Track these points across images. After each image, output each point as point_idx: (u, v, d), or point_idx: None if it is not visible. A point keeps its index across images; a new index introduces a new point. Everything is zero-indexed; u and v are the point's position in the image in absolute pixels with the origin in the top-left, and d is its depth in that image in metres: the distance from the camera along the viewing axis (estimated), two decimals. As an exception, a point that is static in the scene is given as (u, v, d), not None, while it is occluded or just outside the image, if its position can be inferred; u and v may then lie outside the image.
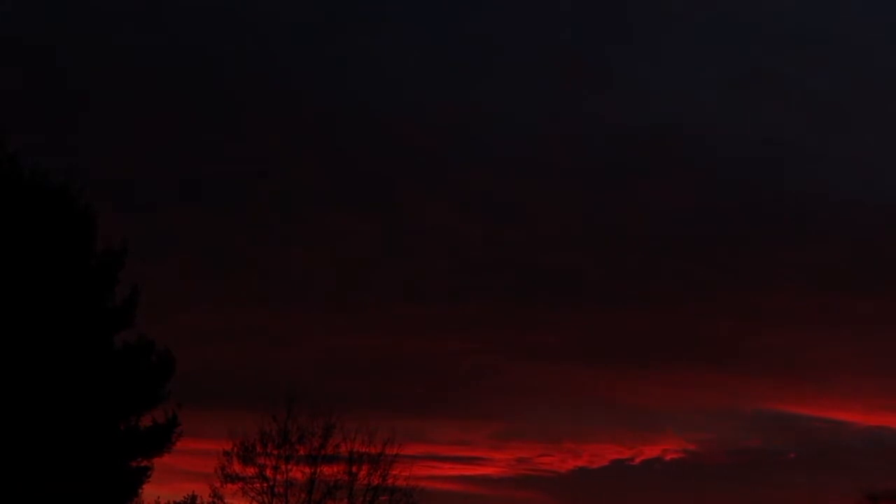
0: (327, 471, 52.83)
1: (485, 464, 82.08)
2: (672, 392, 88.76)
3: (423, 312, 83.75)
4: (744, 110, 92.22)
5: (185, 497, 50.34)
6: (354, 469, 52.87)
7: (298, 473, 52.64)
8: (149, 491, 45.96)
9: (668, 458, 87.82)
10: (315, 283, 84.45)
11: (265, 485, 52.20)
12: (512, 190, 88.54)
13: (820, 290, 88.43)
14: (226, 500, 52.24)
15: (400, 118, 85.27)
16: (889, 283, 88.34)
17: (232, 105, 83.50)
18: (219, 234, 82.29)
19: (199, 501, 50.57)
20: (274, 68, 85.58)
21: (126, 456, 44.43)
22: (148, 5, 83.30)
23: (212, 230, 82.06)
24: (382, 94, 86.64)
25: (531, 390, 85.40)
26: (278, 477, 52.42)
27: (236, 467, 52.40)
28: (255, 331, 78.31)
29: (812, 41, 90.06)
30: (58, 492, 41.55)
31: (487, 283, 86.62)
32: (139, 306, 45.29)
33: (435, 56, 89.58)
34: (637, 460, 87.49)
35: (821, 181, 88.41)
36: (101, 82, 78.36)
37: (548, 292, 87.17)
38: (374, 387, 77.49)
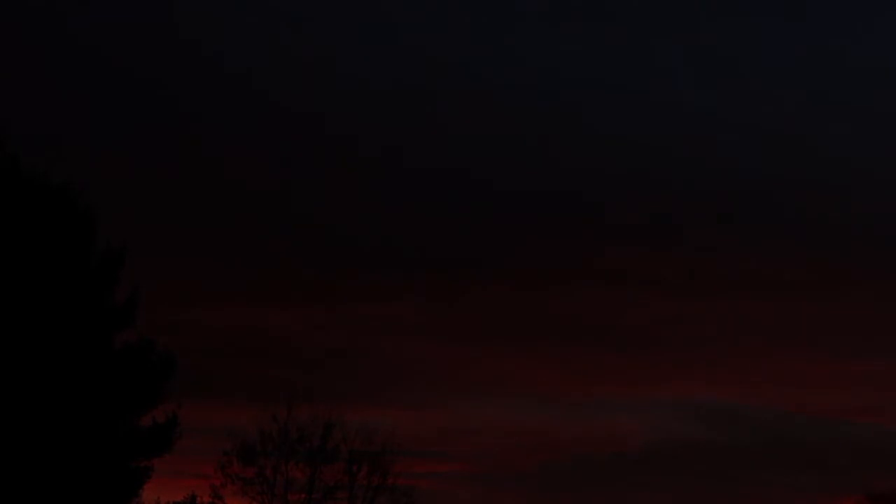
0: (327, 471, 52.82)
1: (445, 459, 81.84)
2: (634, 384, 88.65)
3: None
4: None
5: (184, 497, 50.21)
6: (354, 469, 52.85)
7: (298, 473, 52.62)
8: (149, 491, 45.89)
9: (632, 451, 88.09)
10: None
11: (265, 485, 52.18)
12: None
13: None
14: (226, 501, 52.23)
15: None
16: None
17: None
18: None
19: (198, 501, 50.45)
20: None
21: (126, 456, 44.30)
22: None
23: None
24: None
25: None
26: (278, 477, 52.40)
27: (236, 467, 52.40)
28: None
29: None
30: (58, 492, 41.44)
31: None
32: (139, 306, 45.23)
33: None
34: (602, 454, 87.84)
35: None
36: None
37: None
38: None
